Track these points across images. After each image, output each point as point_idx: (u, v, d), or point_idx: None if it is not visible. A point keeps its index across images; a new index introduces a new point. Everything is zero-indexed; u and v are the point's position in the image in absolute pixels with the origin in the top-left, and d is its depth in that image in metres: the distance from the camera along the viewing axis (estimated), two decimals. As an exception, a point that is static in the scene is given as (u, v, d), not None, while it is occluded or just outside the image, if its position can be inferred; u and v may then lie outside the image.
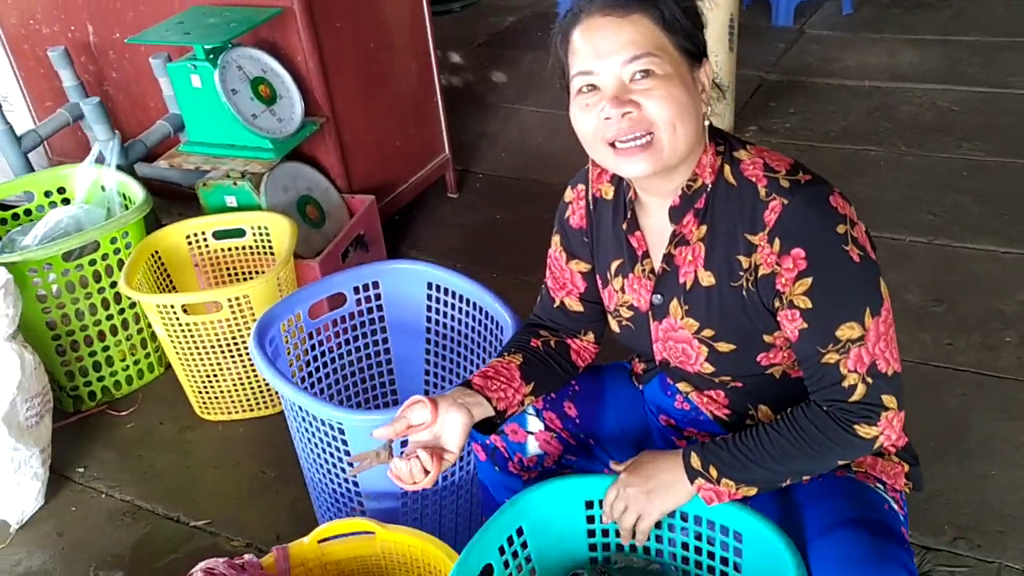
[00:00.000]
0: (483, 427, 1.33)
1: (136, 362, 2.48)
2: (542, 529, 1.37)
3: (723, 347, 1.27)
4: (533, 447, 1.46)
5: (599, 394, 1.50)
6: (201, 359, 2.24)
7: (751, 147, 1.24)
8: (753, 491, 1.23)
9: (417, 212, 3.22)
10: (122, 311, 2.40)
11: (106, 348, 2.40)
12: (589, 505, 1.37)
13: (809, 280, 1.15)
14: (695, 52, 1.18)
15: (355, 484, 1.71)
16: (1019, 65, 3.83)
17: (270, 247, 2.45)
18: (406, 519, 1.73)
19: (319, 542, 1.57)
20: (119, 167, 2.54)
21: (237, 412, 2.36)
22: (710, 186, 1.22)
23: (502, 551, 1.33)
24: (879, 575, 1.13)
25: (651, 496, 1.26)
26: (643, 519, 1.27)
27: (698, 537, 1.33)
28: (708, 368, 1.30)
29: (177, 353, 2.25)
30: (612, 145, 1.17)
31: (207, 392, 2.32)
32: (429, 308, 2.01)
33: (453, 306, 1.95)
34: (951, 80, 3.78)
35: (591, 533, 1.39)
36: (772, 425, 1.23)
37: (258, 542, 2.00)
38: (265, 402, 2.35)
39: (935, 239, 2.78)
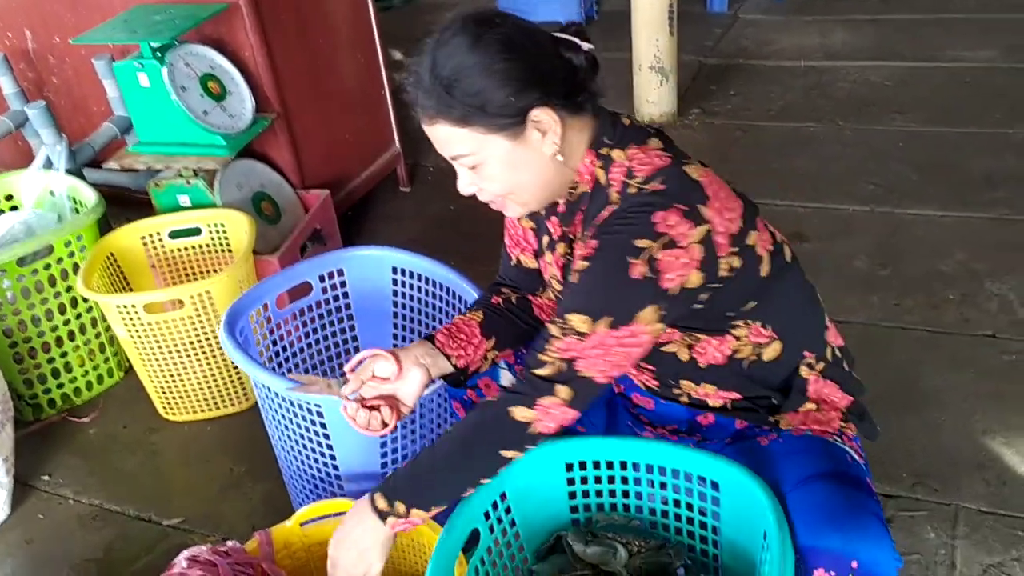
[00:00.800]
0: (452, 381, 1.42)
1: (95, 367, 2.45)
2: (524, 493, 1.40)
3: None
4: None
5: None
6: (165, 359, 2.22)
7: (636, 146, 1.24)
8: (443, 507, 1.28)
9: (370, 207, 3.23)
10: (79, 316, 2.36)
11: (64, 354, 2.36)
12: (569, 467, 1.40)
13: (586, 264, 1.20)
14: (511, 120, 1.17)
15: (335, 468, 1.73)
16: (943, 40, 3.99)
17: (227, 245, 2.44)
18: (385, 499, 1.74)
19: (302, 524, 1.57)
20: (68, 171, 2.50)
21: (202, 411, 2.34)
22: (590, 190, 1.27)
23: (487, 516, 1.35)
24: (853, 522, 1.19)
25: (358, 562, 1.29)
26: None
27: (676, 490, 1.37)
28: None
29: (140, 354, 2.22)
30: None
31: (171, 392, 2.30)
32: (395, 293, 2.02)
33: (419, 288, 1.97)
34: (882, 57, 3.92)
35: (572, 495, 1.43)
36: (442, 434, 1.29)
37: (234, 536, 1.98)
38: (230, 399, 2.34)
39: (877, 207, 2.88)
